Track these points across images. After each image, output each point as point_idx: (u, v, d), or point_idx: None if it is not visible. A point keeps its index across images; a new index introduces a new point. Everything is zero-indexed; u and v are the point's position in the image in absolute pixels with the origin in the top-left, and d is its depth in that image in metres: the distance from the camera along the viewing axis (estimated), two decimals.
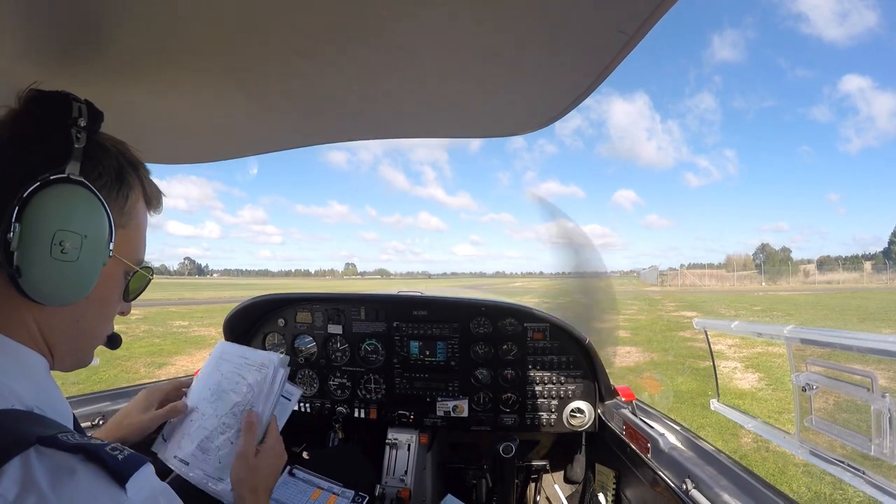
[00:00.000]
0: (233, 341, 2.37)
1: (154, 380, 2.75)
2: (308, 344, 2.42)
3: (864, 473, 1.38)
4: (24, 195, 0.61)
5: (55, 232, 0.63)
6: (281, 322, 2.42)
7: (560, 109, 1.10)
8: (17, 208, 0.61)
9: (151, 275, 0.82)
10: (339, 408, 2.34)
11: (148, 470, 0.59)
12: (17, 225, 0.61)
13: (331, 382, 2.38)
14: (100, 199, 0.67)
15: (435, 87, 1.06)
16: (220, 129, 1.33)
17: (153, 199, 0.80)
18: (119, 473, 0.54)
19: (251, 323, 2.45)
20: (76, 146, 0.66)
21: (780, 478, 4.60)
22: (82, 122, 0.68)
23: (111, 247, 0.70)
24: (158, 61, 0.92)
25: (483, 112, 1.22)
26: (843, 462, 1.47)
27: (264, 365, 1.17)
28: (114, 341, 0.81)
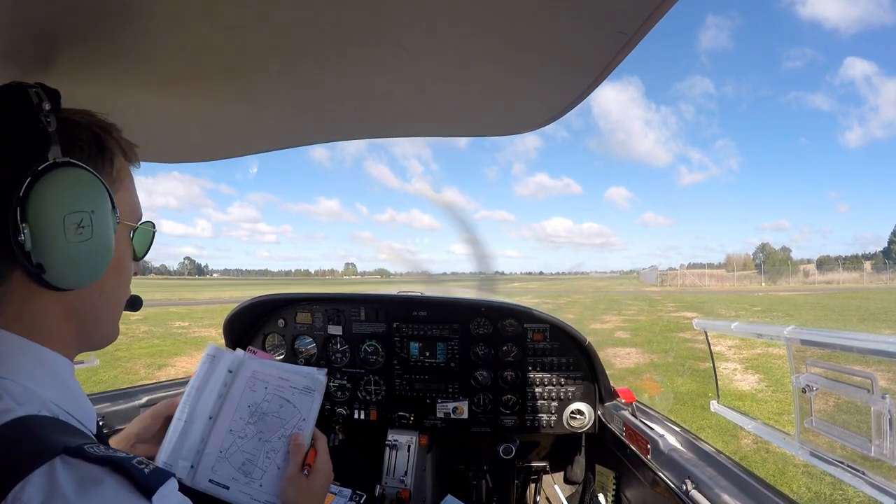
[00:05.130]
0: (233, 342, 2.39)
1: (154, 381, 2.75)
2: (308, 345, 2.42)
3: (864, 474, 1.38)
4: (21, 194, 0.61)
5: (63, 217, 0.63)
6: (281, 323, 2.42)
7: (560, 109, 1.10)
8: (18, 209, 0.61)
9: (153, 228, 0.82)
10: (339, 409, 2.34)
11: (172, 484, 0.60)
12: (24, 225, 0.61)
13: (331, 384, 2.37)
14: (92, 173, 0.67)
15: (435, 87, 1.06)
16: (220, 128, 1.33)
17: (129, 152, 0.78)
18: (145, 486, 0.55)
19: (251, 324, 2.45)
20: (49, 130, 0.65)
21: (780, 479, 4.60)
22: (46, 106, 0.66)
23: (117, 213, 0.70)
24: (157, 61, 0.92)
25: (482, 111, 1.22)
26: (842, 463, 1.47)
27: (309, 388, 1.14)
28: (135, 303, 0.82)
